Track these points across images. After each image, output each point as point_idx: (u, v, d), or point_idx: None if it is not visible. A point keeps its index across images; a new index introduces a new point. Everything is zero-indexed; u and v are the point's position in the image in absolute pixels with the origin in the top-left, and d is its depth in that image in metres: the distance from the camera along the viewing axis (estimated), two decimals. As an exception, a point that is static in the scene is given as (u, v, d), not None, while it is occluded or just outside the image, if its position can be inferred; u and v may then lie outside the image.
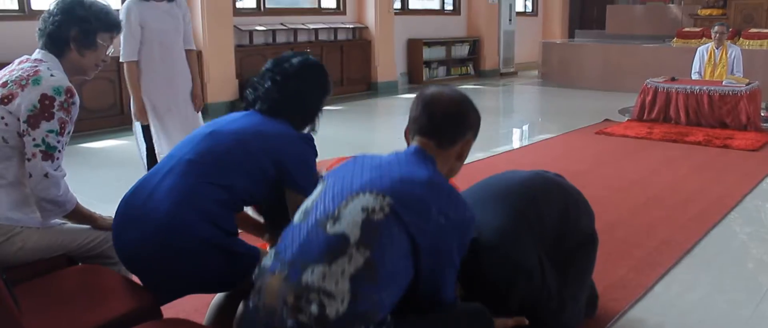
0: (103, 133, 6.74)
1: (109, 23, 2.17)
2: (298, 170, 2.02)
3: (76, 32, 2.10)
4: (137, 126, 3.96)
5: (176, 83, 3.89)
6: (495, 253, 2.10)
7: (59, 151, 2.03)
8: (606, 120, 7.53)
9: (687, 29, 11.58)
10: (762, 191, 4.67)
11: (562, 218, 2.28)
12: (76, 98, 2.06)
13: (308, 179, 2.01)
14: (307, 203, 1.73)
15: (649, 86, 7.37)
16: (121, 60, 3.78)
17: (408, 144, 1.82)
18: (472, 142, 1.84)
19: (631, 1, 14.72)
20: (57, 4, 2.12)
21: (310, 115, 2.18)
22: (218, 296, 2.18)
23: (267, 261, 1.70)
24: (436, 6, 12.40)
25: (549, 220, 2.24)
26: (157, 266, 1.91)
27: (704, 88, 7.05)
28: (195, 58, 4.07)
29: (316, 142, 2.13)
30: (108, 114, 6.97)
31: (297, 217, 1.71)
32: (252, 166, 1.97)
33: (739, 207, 4.25)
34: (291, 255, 1.61)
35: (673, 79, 7.39)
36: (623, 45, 11.04)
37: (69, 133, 2.06)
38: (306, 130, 2.18)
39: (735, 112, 6.87)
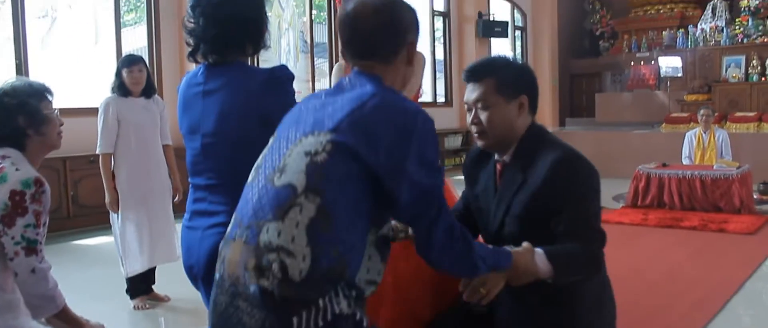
0: (97, 229, 6.69)
1: (39, 92, 2.13)
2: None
3: (24, 119, 2.07)
4: (114, 218, 4.09)
5: (152, 176, 4.08)
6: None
7: (40, 243, 1.99)
8: (601, 208, 7.52)
9: (675, 114, 11.83)
10: (762, 274, 4.62)
11: None
12: (46, 187, 2.02)
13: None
14: (259, 159, 1.62)
15: (641, 172, 7.43)
16: (97, 152, 4.00)
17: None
18: (417, 43, 1.68)
19: (619, 88, 15.08)
20: None
21: (258, 31, 1.96)
22: None
23: (228, 229, 1.60)
24: (429, 98, 12.65)
25: None
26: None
27: (696, 172, 7.11)
28: (172, 153, 4.29)
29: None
30: (103, 210, 6.92)
31: (250, 175, 1.61)
32: (252, 147, 1.79)
33: (741, 292, 4.19)
34: (247, 218, 1.51)
35: (664, 165, 7.46)
36: (613, 132, 11.22)
37: (45, 224, 2.02)
38: (263, 46, 2.00)
39: (728, 195, 6.90)
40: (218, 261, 1.58)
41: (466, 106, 2.04)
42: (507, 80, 1.96)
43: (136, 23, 8.51)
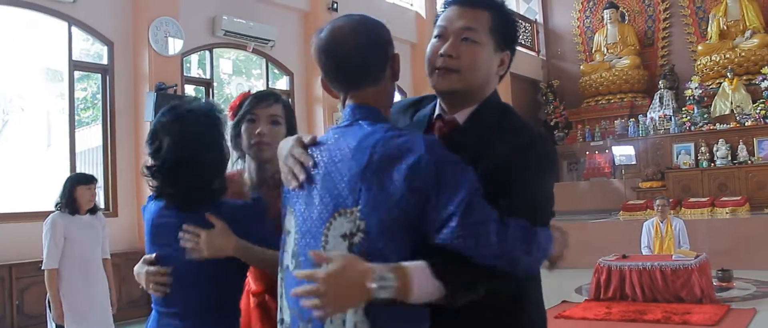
0: (42, 341, 6.35)
1: None
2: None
3: None
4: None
5: (93, 290, 4.26)
6: None
7: None
8: (563, 302, 7.46)
9: (631, 202, 12.05)
10: (728, 372, 4.57)
11: None
12: None
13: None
14: (291, 244, 1.57)
15: (602, 265, 7.43)
16: (43, 268, 4.15)
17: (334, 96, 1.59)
18: (398, 55, 1.58)
19: (575, 177, 15.36)
20: None
21: (220, 164, 1.92)
22: None
23: (286, 317, 1.58)
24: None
25: None
26: None
27: (656, 264, 7.14)
28: (110, 267, 4.53)
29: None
30: (44, 320, 6.61)
31: (287, 261, 1.58)
32: (228, 278, 1.92)
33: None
34: (307, 312, 1.47)
35: (624, 257, 7.48)
36: (572, 222, 11.31)
37: None
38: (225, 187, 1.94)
39: (688, 285, 6.92)
40: None
41: (437, 31, 1.61)
42: (503, 24, 1.60)
43: (92, 122, 8.39)
